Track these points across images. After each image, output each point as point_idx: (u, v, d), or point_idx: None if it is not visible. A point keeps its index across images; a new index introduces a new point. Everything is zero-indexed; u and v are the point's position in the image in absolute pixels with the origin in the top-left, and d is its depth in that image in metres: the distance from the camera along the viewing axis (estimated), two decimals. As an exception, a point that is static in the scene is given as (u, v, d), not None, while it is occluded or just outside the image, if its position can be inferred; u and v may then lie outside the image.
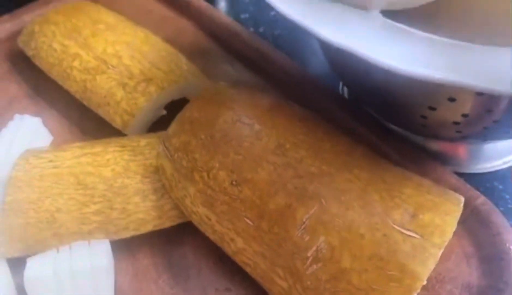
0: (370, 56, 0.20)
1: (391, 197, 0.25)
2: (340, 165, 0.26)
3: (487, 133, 0.28)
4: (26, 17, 0.45)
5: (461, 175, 0.32)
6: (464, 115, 0.26)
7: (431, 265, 0.23)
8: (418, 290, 0.23)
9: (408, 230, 0.24)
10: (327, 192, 0.25)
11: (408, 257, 0.23)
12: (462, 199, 0.26)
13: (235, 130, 0.27)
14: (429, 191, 0.25)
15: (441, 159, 0.34)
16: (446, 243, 0.23)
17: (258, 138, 0.26)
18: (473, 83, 0.18)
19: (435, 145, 0.34)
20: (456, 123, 0.27)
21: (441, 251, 0.23)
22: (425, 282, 0.23)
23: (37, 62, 0.40)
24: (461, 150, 0.34)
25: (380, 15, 0.23)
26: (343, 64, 0.29)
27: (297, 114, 0.28)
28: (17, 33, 0.43)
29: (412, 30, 0.22)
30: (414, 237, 0.23)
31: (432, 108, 0.26)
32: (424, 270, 0.23)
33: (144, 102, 0.34)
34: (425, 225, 0.24)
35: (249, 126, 0.27)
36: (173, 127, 0.29)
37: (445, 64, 0.20)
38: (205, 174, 0.27)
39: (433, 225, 0.24)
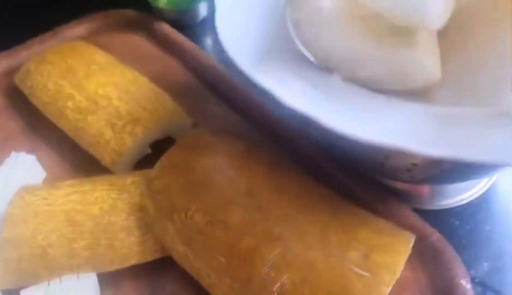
0: (323, 121, 0.23)
1: (347, 239, 0.28)
2: (304, 207, 0.29)
3: (439, 179, 0.31)
4: (23, 54, 0.48)
5: (422, 211, 0.35)
6: (414, 164, 0.29)
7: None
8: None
9: (362, 269, 0.26)
10: (290, 234, 0.28)
11: (361, 294, 0.26)
12: (413, 239, 0.29)
13: (211, 176, 0.30)
14: (382, 232, 0.28)
15: (406, 197, 0.36)
16: (394, 281, 0.26)
17: (231, 184, 0.29)
18: (408, 147, 0.21)
19: (401, 185, 0.37)
20: (409, 170, 0.30)
21: (390, 288, 0.26)
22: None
23: (32, 100, 0.43)
24: (424, 189, 0.37)
25: (340, 80, 0.26)
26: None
27: (268, 159, 0.31)
28: (14, 70, 0.46)
29: (363, 94, 0.25)
30: (366, 275, 0.26)
31: (387, 158, 0.29)
32: (375, 306, 0.26)
33: (131, 142, 0.37)
34: (376, 264, 0.27)
35: (223, 172, 0.30)
36: (155, 170, 0.32)
37: (386, 127, 0.23)
38: (183, 215, 0.30)
39: (383, 264, 0.27)
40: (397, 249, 0.27)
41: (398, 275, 0.26)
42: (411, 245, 0.28)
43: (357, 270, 0.26)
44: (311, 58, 0.27)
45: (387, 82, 0.27)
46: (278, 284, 0.27)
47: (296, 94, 0.24)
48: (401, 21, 0.25)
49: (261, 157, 0.31)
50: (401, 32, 0.26)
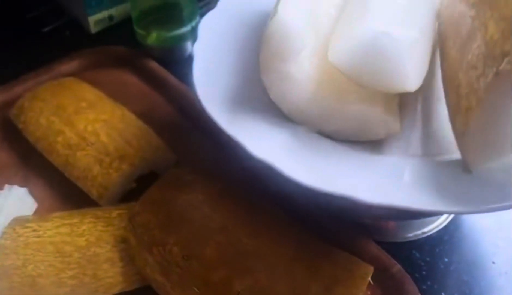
0: (287, 173, 0.26)
1: (312, 272, 0.30)
2: (273, 242, 0.32)
3: (397, 218, 0.34)
4: (17, 89, 0.51)
5: (387, 244, 0.37)
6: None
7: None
8: None
9: (323, 301, 0.29)
10: (260, 267, 0.30)
11: (322, 324, 0.29)
12: (371, 271, 0.32)
13: (188, 213, 0.33)
14: (344, 266, 0.31)
15: (372, 230, 0.39)
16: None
17: (206, 220, 0.32)
18: (355, 196, 0.24)
19: (367, 220, 0.40)
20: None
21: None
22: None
23: (26, 134, 0.45)
24: (389, 223, 0.40)
25: (308, 132, 0.29)
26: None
27: (241, 197, 0.34)
28: (9, 104, 0.48)
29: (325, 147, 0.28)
30: (327, 307, 0.29)
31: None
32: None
33: (117, 177, 0.40)
34: (336, 296, 0.29)
35: (199, 209, 0.33)
36: (137, 206, 0.35)
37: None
38: (161, 248, 0.32)
39: (342, 296, 0.29)
40: (355, 282, 0.30)
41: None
42: (369, 277, 0.31)
43: (318, 301, 0.29)
44: (282, 111, 0.30)
45: (352, 135, 0.30)
46: (247, 313, 0.29)
47: (263, 145, 0.27)
48: (380, 89, 0.28)
49: (235, 195, 0.34)
50: (363, 89, 0.29)
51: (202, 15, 0.38)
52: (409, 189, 0.26)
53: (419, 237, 0.39)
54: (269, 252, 0.31)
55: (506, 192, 0.25)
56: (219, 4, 0.38)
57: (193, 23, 0.54)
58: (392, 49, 0.26)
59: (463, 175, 0.27)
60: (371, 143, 0.30)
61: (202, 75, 0.32)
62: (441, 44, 0.31)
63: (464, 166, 0.27)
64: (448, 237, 0.39)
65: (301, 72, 0.28)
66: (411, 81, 0.27)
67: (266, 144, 0.28)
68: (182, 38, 0.54)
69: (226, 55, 0.34)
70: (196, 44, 0.34)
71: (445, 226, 0.40)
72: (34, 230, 0.36)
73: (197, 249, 0.31)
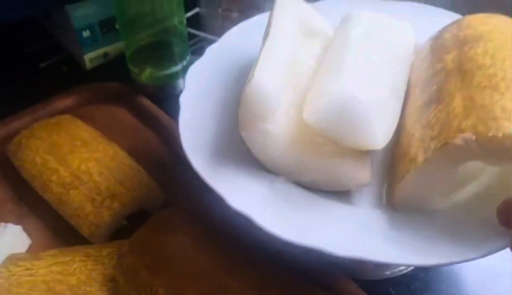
0: (262, 225, 0.28)
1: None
2: (253, 282, 0.34)
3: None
4: (15, 124, 0.53)
5: (365, 282, 0.39)
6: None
7: None
8: None
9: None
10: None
11: None
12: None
13: (173, 256, 0.34)
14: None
15: (350, 269, 0.41)
16: None
17: (190, 263, 0.34)
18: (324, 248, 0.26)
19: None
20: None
21: None
22: None
23: (21, 172, 0.47)
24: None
25: (285, 182, 0.31)
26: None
27: (224, 240, 0.36)
28: (6, 139, 0.50)
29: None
30: None
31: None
32: None
33: (108, 216, 0.42)
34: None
35: (184, 252, 0.34)
36: (126, 247, 0.36)
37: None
38: (148, 289, 0.34)
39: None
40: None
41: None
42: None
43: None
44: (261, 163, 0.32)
45: (326, 186, 0.32)
46: None
47: (242, 197, 0.29)
48: (350, 146, 0.31)
49: (218, 237, 0.36)
50: (335, 145, 0.31)
51: (193, 53, 0.40)
52: (375, 242, 0.28)
53: (396, 274, 0.41)
54: (248, 292, 0.33)
55: (470, 246, 0.28)
56: (206, 53, 0.41)
57: (184, 62, 0.56)
58: (360, 112, 0.28)
59: (426, 227, 0.29)
60: (344, 193, 0.32)
61: (187, 126, 0.34)
62: (408, 91, 0.33)
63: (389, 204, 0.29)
64: (423, 275, 0.41)
65: (278, 128, 0.30)
66: (378, 140, 0.29)
67: (244, 195, 0.30)
68: (173, 77, 0.56)
69: (210, 105, 0.36)
70: (183, 94, 0.36)
71: (421, 264, 0.42)
72: (27, 269, 0.38)
73: (181, 290, 0.33)
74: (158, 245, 0.35)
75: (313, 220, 0.29)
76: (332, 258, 0.36)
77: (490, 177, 0.30)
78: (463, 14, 0.41)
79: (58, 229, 0.44)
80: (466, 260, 0.28)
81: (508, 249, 0.28)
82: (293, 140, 0.31)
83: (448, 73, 0.31)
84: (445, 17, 0.44)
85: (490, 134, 0.25)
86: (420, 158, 0.27)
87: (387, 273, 0.41)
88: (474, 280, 0.41)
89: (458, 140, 0.26)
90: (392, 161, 0.32)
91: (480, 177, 0.30)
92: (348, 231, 0.29)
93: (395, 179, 0.30)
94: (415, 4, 0.48)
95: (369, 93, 0.29)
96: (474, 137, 0.26)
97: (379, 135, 0.29)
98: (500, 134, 0.25)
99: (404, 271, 0.41)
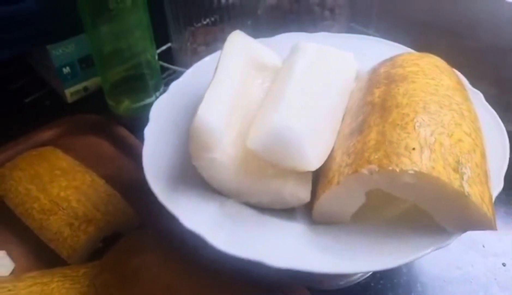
0: (212, 243, 0.32)
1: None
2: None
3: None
4: (0, 157, 0.57)
5: (321, 292, 0.43)
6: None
7: None
8: None
9: None
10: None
11: None
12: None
13: (139, 273, 0.38)
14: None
15: (307, 280, 0.45)
16: None
17: (155, 279, 0.38)
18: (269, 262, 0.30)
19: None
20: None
21: None
22: None
23: (6, 201, 0.51)
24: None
25: (234, 204, 0.35)
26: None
27: (188, 258, 0.40)
28: (-10, 170, 0.54)
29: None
30: None
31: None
32: None
33: (84, 240, 0.45)
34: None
35: (149, 269, 0.38)
36: (98, 267, 0.40)
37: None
38: (118, 304, 0.38)
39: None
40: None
41: None
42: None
43: None
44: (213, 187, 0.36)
45: (271, 205, 0.36)
46: None
47: (194, 217, 0.33)
48: (288, 168, 0.35)
49: (183, 256, 0.40)
50: (277, 167, 0.35)
51: (166, 85, 0.44)
52: (311, 253, 0.32)
53: (350, 284, 0.45)
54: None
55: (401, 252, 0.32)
56: (170, 88, 0.45)
57: (158, 94, 0.61)
58: (293, 139, 0.33)
59: (361, 238, 0.33)
60: (289, 211, 0.36)
61: (149, 157, 0.38)
62: (344, 117, 0.38)
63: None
64: (373, 284, 0.45)
65: (224, 156, 0.34)
66: (311, 163, 0.34)
67: (197, 216, 0.34)
68: (148, 108, 0.60)
69: (172, 136, 0.40)
70: (147, 128, 0.41)
71: (373, 274, 0.45)
72: (9, 290, 0.41)
73: (147, 304, 0.37)
74: (126, 264, 0.39)
75: (257, 236, 0.33)
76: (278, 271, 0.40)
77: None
78: (411, 43, 0.46)
79: (39, 252, 0.48)
80: (396, 265, 0.32)
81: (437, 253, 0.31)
82: (239, 166, 0.35)
83: (373, 107, 0.35)
84: (390, 48, 0.48)
85: (390, 168, 0.30)
86: (335, 181, 0.32)
87: (341, 283, 0.45)
88: (421, 288, 0.44)
89: (365, 170, 0.30)
90: (317, 181, 0.36)
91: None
92: (288, 245, 0.33)
93: (315, 197, 0.34)
94: (364, 36, 0.52)
95: (303, 123, 0.34)
96: (377, 169, 0.30)
97: (311, 158, 0.33)
98: (398, 170, 0.30)
99: (357, 281, 0.45)
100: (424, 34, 0.49)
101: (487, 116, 0.40)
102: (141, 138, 0.58)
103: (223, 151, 0.34)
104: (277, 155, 0.33)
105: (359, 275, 0.45)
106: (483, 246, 0.47)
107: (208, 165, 0.34)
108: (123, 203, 0.50)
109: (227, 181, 0.35)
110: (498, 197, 0.35)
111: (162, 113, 0.42)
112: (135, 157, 0.57)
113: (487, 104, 0.41)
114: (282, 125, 0.33)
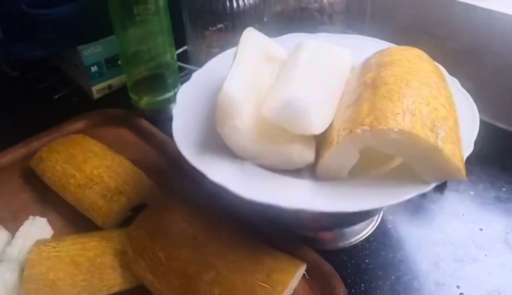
0: (235, 190, 0.39)
1: (257, 265, 0.42)
2: (230, 246, 0.44)
3: (330, 226, 0.46)
4: (35, 144, 0.64)
5: (324, 251, 0.49)
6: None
7: (275, 303, 0.40)
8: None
9: (264, 283, 0.41)
10: (220, 263, 0.42)
11: (263, 299, 0.40)
12: (303, 265, 0.44)
13: (169, 227, 0.45)
14: (281, 261, 0.43)
15: (313, 241, 0.51)
16: (285, 290, 0.41)
17: (182, 232, 0.45)
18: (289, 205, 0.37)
19: (310, 233, 0.53)
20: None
21: (282, 294, 0.41)
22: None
23: (44, 179, 0.58)
24: (326, 234, 0.53)
25: (251, 165, 0.42)
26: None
27: (209, 215, 0.47)
28: (28, 156, 0.61)
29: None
30: (267, 287, 0.41)
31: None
32: (271, 306, 0.40)
33: (117, 208, 0.52)
34: (274, 280, 0.41)
35: (177, 224, 0.45)
36: (133, 226, 0.47)
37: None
38: (150, 253, 0.44)
39: (278, 280, 0.41)
40: (288, 270, 0.42)
41: (287, 287, 0.41)
42: (301, 268, 0.43)
43: (261, 284, 0.41)
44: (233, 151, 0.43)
45: (282, 166, 0.43)
46: (212, 296, 0.41)
47: (219, 173, 0.40)
48: (296, 132, 0.42)
49: (203, 214, 0.47)
50: (287, 132, 0.42)
51: (182, 83, 0.51)
52: (312, 199, 0.39)
53: (347, 245, 0.52)
54: (227, 252, 0.43)
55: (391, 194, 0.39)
56: (192, 77, 0.53)
57: (176, 90, 0.68)
58: (302, 107, 0.40)
59: (355, 189, 0.40)
60: (296, 171, 0.43)
61: (179, 128, 0.45)
62: (342, 98, 0.45)
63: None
64: (368, 245, 0.52)
65: (244, 125, 0.41)
66: (315, 127, 0.41)
67: (221, 173, 0.41)
68: (167, 102, 0.68)
69: (196, 113, 0.48)
70: (175, 107, 0.48)
71: (367, 237, 0.52)
72: (54, 247, 0.48)
73: (176, 252, 0.44)
74: (157, 221, 0.46)
75: (272, 187, 0.40)
76: (290, 221, 0.47)
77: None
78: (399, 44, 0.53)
79: (76, 221, 0.54)
80: (386, 204, 0.39)
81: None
82: (256, 133, 0.42)
83: (365, 86, 0.43)
84: (380, 45, 0.56)
85: (379, 127, 0.37)
86: (335, 142, 0.39)
87: (341, 244, 0.52)
88: (406, 249, 0.51)
89: (358, 130, 0.37)
90: (320, 147, 0.43)
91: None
92: (297, 193, 0.40)
93: (320, 157, 0.41)
94: (359, 36, 0.60)
95: (309, 96, 0.41)
96: (369, 129, 0.37)
97: (315, 123, 0.41)
98: (385, 128, 0.37)
99: (354, 243, 0.52)
100: (411, 37, 0.56)
101: (462, 98, 0.47)
102: (160, 128, 0.66)
103: (243, 120, 0.41)
104: (288, 121, 0.41)
105: (356, 238, 0.52)
106: (463, 215, 0.54)
107: (230, 132, 0.41)
108: (148, 180, 0.57)
109: (245, 145, 0.42)
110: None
111: (187, 95, 0.49)
112: (156, 144, 0.65)
113: (462, 88, 0.49)
114: (292, 96, 0.40)
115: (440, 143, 0.37)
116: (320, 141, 0.44)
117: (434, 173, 0.39)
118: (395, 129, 0.37)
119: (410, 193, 0.38)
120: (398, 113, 0.38)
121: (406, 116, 0.38)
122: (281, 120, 0.41)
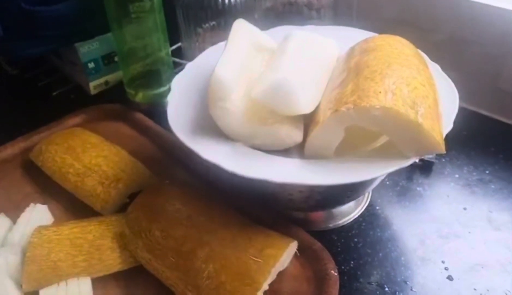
0: (228, 168, 0.41)
1: (250, 241, 0.44)
2: (224, 225, 0.46)
3: (320, 206, 0.49)
4: (34, 138, 0.66)
5: (315, 231, 0.51)
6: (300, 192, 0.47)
7: (268, 277, 0.42)
8: (261, 291, 0.42)
9: (257, 258, 0.43)
10: (214, 240, 0.44)
11: (256, 272, 0.42)
12: (294, 242, 0.46)
13: (165, 207, 0.47)
14: (272, 238, 0.46)
15: (304, 222, 0.54)
16: (276, 263, 0.43)
17: (177, 212, 0.47)
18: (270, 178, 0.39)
19: (301, 214, 0.55)
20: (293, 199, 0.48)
21: (274, 268, 0.43)
22: (266, 287, 0.42)
23: (44, 169, 0.60)
24: (317, 216, 0.55)
25: (242, 145, 0.45)
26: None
27: (202, 197, 0.49)
28: (28, 149, 0.63)
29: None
30: (260, 261, 0.43)
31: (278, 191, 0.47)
32: (264, 279, 0.42)
33: (115, 195, 0.54)
34: (266, 255, 0.43)
35: (172, 205, 0.47)
36: (130, 207, 0.49)
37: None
38: (147, 233, 0.46)
39: (270, 255, 0.43)
40: (280, 246, 0.44)
41: (279, 260, 0.43)
42: (291, 244, 0.45)
43: (254, 258, 0.43)
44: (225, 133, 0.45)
45: (271, 146, 0.45)
46: (207, 271, 0.43)
47: (212, 152, 0.43)
48: (285, 113, 0.44)
49: (197, 195, 0.49)
50: (276, 114, 0.45)
51: None
52: (300, 174, 0.41)
53: (337, 225, 0.54)
54: (221, 230, 0.45)
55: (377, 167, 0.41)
56: (186, 67, 0.55)
57: (170, 84, 0.70)
58: (290, 88, 0.42)
59: (340, 165, 0.42)
60: (285, 151, 0.45)
61: (173, 112, 0.48)
62: (328, 83, 0.48)
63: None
64: (357, 225, 0.54)
65: (234, 107, 0.44)
66: (303, 108, 0.43)
67: (213, 152, 0.43)
68: (161, 96, 0.70)
69: (189, 99, 0.50)
70: (170, 94, 0.50)
71: (356, 219, 0.54)
72: (54, 231, 0.50)
73: (171, 231, 0.46)
74: (153, 202, 0.48)
75: (262, 164, 0.42)
76: (281, 201, 0.49)
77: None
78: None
79: (75, 208, 0.56)
80: (370, 177, 0.41)
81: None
82: (246, 115, 0.44)
83: (349, 70, 0.45)
84: (365, 35, 0.58)
85: (362, 104, 0.39)
86: (321, 120, 0.41)
87: (331, 225, 0.54)
88: (394, 229, 0.53)
89: (343, 108, 0.40)
90: (307, 128, 0.45)
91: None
92: (286, 169, 0.42)
93: (307, 136, 0.43)
94: (345, 27, 0.63)
95: (297, 78, 0.43)
96: (353, 107, 0.40)
97: (303, 103, 0.43)
98: (368, 105, 0.39)
99: (343, 224, 0.54)
100: (397, 30, 0.59)
101: (442, 81, 0.49)
102: (155, 120, 0.68)
103: (233, 103, 0.44)
104: (277, 101, 0.43)
105: (345, 219, 0.54)
106: (448, 196, 0.56)
107: (221, 113, 0.44)
108: (144, 168, 0.59)
109: (236, 127, 0.44)
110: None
111: (180, 84, 0.52)
112: (151, 136, 0.67)
113: (442, 73, 0.51)
114: (281, 77, 0.42)
115: (420, 119, 0.40)
116: (308, 123, 0.46)
117: (415, 147, 0.41)
118: (377, 106, 0.39)
119: (391, 166, 0.41)
120: (380, 92, 0.40)
121: (388, 94, 0.40)
122: (270, 101, 0.43)
